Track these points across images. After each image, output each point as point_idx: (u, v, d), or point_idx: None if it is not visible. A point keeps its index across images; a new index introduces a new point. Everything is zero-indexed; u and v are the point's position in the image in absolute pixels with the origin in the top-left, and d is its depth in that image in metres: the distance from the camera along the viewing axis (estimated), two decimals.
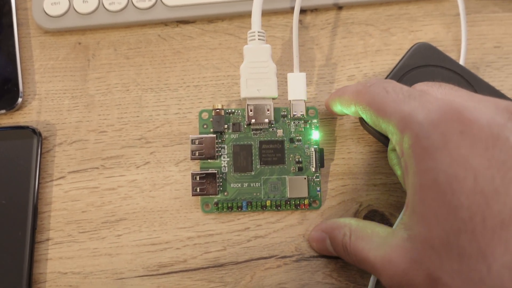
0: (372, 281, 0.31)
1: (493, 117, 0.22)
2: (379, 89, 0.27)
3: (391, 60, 0.36)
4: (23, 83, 0.35)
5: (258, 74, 0.32)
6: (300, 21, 0.37)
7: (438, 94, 0.26)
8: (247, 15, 0.34)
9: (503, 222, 0.20)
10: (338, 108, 0.31)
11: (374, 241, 0.26)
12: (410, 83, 0.33)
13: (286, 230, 0.32)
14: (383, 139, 0.33)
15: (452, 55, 0.35)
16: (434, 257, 0.22)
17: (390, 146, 0.30)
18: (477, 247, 0.20)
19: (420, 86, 0.27)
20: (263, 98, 0.32)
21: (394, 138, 0.25)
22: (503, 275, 0.20)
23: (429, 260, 0.22)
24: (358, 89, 0.28)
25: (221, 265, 0.32)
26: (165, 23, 0.37)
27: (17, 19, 0.36)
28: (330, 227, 0.30)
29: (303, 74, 0.33)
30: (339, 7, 0.37)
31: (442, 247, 0.21)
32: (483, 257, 0.20)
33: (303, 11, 0.37)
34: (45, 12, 0.36)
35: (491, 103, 0.24)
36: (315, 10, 0.37)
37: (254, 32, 0.32)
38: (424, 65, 0.34)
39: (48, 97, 0.35)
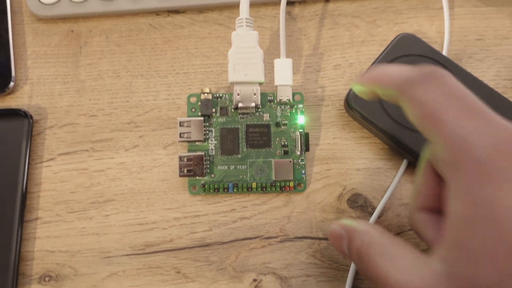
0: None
1: None
2: (439, 96, 0.22)
3: (376, 50, 0.37)
4: (15, 68, 0.36)
5: (245, 60, 0.33)
6: (289, 13, 0.38)
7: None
8: (237, 6, 0.35)
9: None
10: (367, 89, 0.26)
11: (398, 264, 0.22)
12: None
13: (271, 212, 0.33)
14: (368, 126, 0.34)
15: (436, 47, 0.36)
16: None
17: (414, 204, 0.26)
18: None
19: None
20: (250, 83, 0.33)
21: (441, 156, 0.22)
22: None
23: None
24: (409, 80, 0.23)
25: (207, 245, 0.32)
26: (156, 12, 0.38)
27: (11, 6, 0.37)
28: (352, 228, 0.26)
29: (290, 60, 0.34)
30: (327, 0, 0.39)
31: None
32: None
33: (291, 3, 0.38)
34: (39, 0, 0.37)
35: None
36: (303, 2, 0.38)
37: (242, 18, 0.33)
38: (407, 54, 0.35)
39: (40, 82, 0.36)
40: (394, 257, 0.23)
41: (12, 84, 0.35)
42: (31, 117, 0.34)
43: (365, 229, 0.25)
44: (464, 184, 0.20)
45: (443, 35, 0.37)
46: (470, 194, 0.20)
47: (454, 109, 0.21)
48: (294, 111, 0.34)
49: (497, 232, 0.19)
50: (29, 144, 0.33)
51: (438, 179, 0.24)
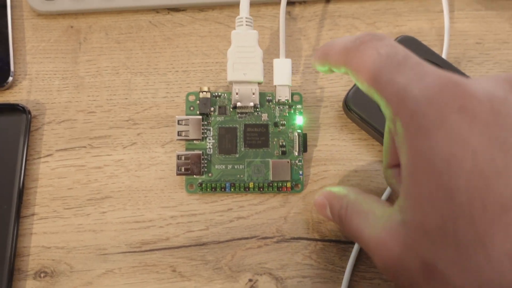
0: (350, 264, 0.32)
1: (493, 90, 0.20)
2: (371, 50, 0.23)
3: None
4: (14, 63, 0.36)
5: (244, 59, 0.33)
6: (289, 13, 0.38)
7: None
8: (237, 5, 0.35)
9: (504, 206, 0.18)
10: (325, 68, 0.27)
11: (370, 219, 0.24)
12: None
13: (268, 212, 0.33)
14: (367, 128, 0.34)
15: (435, 50, 0.36)
16: (429, 244, 0.20)
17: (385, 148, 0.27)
18: (475, 234, 0.19)
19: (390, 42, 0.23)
20: (249, 82, 0.33)
21: (387, 114, 0.23)
22: (502, 263, 0.18)
23: (423, 247, 0.20)
24: (346, 47, 0.24)
25: (203, 244, 0.32)
26: (156, 10, 0.38)
27: (11, 1, 0.37)
28: (331, 195, 0.28)
29: (289, 60, 0.34)
30: (327, 0, 0.39)
31: (437, 233, 0.20)
32: (482, 244, 0.19)
33: (291, 3, 0.38)
34: None
35: (490, 76, 0.22)
36: (303, 2, 0.38)
37: (242, 18, 0.33)
38: None
39: (38, 77, 0.36)
40: (367, 214, 0.25)
41: (10, 79, 0.35)
42: (29, 112, 0.34)
43: (343, 193, 0.27)
44: (404, 137, 0.21)
45: (442, 38, 0.37)
46: (410, 147, 0.21)
47: (387, 67, 0.22)
48: (292, 111, 0.34)
49: (435, 178, 0.20)
50: (27, 139, 0.33)
51: None
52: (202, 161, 0.33)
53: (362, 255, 0.32)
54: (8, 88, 0.35)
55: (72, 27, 0.37)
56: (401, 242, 0.21)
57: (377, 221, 0.24)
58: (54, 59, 0.36)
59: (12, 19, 0.37)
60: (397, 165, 0.26)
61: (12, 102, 0.35)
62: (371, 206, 0.25)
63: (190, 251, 0.32)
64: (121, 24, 0.37)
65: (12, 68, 0.35)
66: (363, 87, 0.24)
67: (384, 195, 0.33)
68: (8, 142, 0.33)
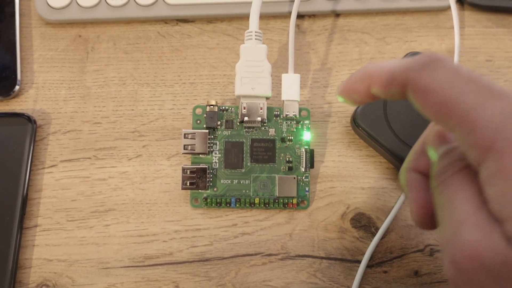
0: (355, 283, 0.31)
1: None
2: (450, 80, 0.19)
3: None
4: (21, 71, 0.36)
5: (253, 73, 0.32)
6: (298, 26, 0.38)
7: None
8: (246, 17, 0.34)
9: None
10: (356, 96, 0.23)
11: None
12: None
13: (273, 229, 0.33)
14: (374, 145, 0.33)
15: None
16: None
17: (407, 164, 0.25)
18: None
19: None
20: (257, 97, 0.33)
21: (462, 137, 0.19)
22: None
23: None
24: (409, 70, 0.20)
25: (207, 260, 0.32)
26: (165, 21, 0.38)
27: (20, 9, 0.37)
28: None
29: (297, 75, 0.33)
30: (337, 14, 0.38)
31: None
32: None
33: (301, 16, 0.38)
34: (48, 4, 0.37)
35: None
36: (313, 16, 0.38)
37: (251, 32, 0.33)
38: None
39: (45, 86, 0.36)
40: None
41: (17, 87, 0.35)
42: (35, 122, 0.34)
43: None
44: (507, 163, 0.18)
45: (453, 54, 0.37)
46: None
47: (473, 92, 0.19)
48: (300, 127, 0.34)
49: None
50: (31, 149, 0.33)
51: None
52: (208, 175, 0.32)
53: (367, 274, 0.32)
54: (14, 97, 0.35)
55: (80, 36, 0.37)
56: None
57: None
58: (61, 68, 0.36)
59: (20, 27, 0.36)
60: (419, 171, 0.24)
61: (17, 111, 0.35)
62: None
63: (193, 267, 0.32)
64: (129, 34, 0.37)
65: (19, 77, 0.35)
66: (429, 111, 0.20)
67: (392, 213, 0.32)
68: (12, 151, 0.33)
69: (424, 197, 0.22)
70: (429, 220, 0.22)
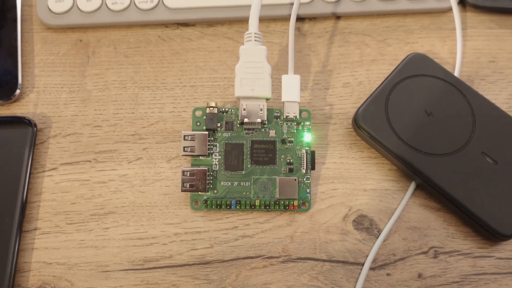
0: (358, 286, 0.31)
1: None
2: None
3: (386, 69, 0.36)
4: (22, 75, 0.36)
5: (252, 74, 0.32)
6: (298, 29, 0.38)
7: None
8: (246, 20, 0.34)
9: None
10: None
11: None
12: (403, 91, 0.33)
13: (274, 231, 0.32)
14: (376, 146, 0.33)
15: (447, 68, 0.35)
16: None
17: None
18: None
19: None
20: (257, 98, 0.32)
21: None
22: None
23: None
24: None
25: (207, 263, 0.32)
26: (165, 24, 0.38)
27: (22, 14, 0.37)
28: None
29: (297, 76, 0.33)
30: (337, 17, 0.38)
31: None
32: None
33: (301, 19, 0.38)
34: (49, 9, 0.37)
35: None
36: (313, 18, 0.38)
37: (250, 33, 0.33)
38: (418, 74, 0.34)
39: (46, 90, 0.36)
40: None
41: (18, 91, 0.35)
42: (35, 125, 0.34)
43: None
44: None
45: (455, 56, 0.37)
46: None
47: None
48: (300, 128, 0.33)
49: None
50: (31, 152, 0.33)
51: None
52: (208, 178, 0.32)
53: (370, 277, 0.31)
54: (15, 101, 0.35)
55: (81, 40, 0.37)
56: None
57: None
58: (62, 72, 0.36)
59: (22, 32, 0.37)
60: None
61: (18, 115, 0.35)
62: None
63: (193, 270, 0.31)
64: (130, 38, 0.37)
65: (20, 81, 0.35)
66: None
67: (394, 215, 0.32)
68: (13, 155, 0.33)
69: None
70: None
